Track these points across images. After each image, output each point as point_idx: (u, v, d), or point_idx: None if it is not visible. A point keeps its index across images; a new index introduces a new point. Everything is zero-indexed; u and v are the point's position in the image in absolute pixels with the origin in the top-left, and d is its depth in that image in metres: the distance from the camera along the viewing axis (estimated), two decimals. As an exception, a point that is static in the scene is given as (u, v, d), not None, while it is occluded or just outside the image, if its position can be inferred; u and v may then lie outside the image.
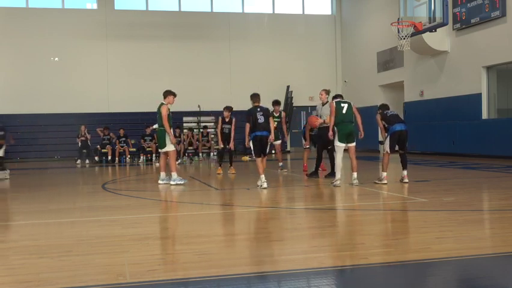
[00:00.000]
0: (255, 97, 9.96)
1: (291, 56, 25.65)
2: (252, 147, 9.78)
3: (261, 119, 9.58)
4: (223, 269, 4.10)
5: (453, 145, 17.99)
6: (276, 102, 13.74)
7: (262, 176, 9.41)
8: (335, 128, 9.72)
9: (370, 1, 23.59)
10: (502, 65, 16.60)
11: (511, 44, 15.61)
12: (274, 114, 13.35)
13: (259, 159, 9.64)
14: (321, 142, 11.43)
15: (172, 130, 10.79)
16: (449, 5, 16.40)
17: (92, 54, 23.85)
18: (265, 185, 9.35)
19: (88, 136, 20.69)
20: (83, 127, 20.86)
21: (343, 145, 9.74)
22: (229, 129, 13.23)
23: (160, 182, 10.81)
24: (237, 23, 25.37)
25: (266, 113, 9.81)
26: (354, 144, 9.83)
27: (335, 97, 10.50)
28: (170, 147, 10.73)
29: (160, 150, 11.18)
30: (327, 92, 11.55)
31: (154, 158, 20.47)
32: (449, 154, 18.19)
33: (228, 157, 13.65)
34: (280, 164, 13.69)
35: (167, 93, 10.93)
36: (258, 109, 9.75)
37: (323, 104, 11.33)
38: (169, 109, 10.73)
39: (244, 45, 25.33)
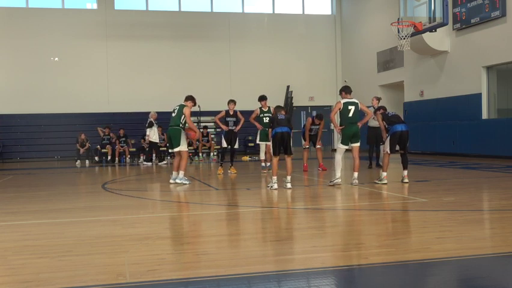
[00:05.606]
0: (278, 108, 10.04)
1: (291, 56, 25.65)
2: (271, 146, 9.74)
3: (281, 116, 9.63)
4: (223, 269, 4.09)
5: (453, 145, 17.99)
6: (261, 98, 13.01)
7: (275, 178, 9.38)
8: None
9: (370, 1, 23.58)
10: (502, 65, 16.60)
11: (511, 44, 15.61)
12: (263, 109, 12.85)
13: (275, 159, 9.57)
14: (373, 140, 13.71)
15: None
16: (449, 5, 16.41)
17: (92, 54, 23.85)
18: (275, 186, 9.30)
19: (88, 145, 20.02)
20: (83, 135, 20.05)
21: (345, 147, 9.86)
22: (234, 122, 12.93)
23: (171, 181, 10.77)
24: (237, 23, 25.36)
25: (287, 115, 9.90)
26: (358, 144, 9.85)
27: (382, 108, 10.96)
28: (183, 148, 10.76)
29: (170, 150, 11.15)
30: (378, 98, 13.68)
31: (154, 158, 20.48)
32: (449, 154, 18.19)
33: (228, 157, 13.61)
34: (268, 164, 13.28)
35: (190, 98, 11.17)
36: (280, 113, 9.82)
37: (374, 109, 12.16)
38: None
39: (244, 45, 25.32)
